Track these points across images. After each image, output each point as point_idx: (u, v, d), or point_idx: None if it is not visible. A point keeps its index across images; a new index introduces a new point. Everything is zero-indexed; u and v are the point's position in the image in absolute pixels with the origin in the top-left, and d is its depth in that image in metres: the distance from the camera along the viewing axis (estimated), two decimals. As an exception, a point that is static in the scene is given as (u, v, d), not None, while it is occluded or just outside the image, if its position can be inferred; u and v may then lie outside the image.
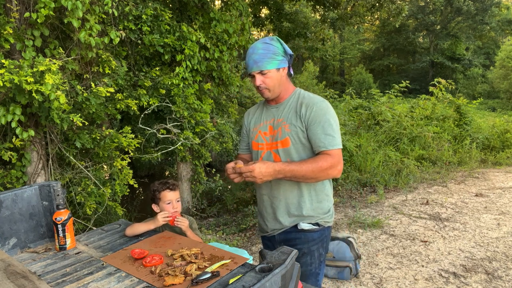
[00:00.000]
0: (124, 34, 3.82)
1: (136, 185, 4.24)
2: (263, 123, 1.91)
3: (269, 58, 1.73)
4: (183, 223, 2.03)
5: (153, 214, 2.14)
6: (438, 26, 34.81)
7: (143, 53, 4.94)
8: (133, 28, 4.53)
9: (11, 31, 3.00)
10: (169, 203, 2.09)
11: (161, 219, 2.00)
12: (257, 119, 1.95)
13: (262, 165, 1.61)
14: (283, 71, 1.79)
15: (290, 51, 1.79)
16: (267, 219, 1.96)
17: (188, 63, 5.03)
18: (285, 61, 1.78)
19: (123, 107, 4.21)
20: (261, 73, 1.75)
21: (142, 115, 4.83)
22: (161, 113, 5.28)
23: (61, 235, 1.80)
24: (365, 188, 6.02)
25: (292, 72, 1.88)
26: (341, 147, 1.76)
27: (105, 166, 4.29)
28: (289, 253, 1.23)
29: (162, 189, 2.10)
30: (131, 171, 4.27)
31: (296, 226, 1.86)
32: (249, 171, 1.60)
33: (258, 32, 13.63)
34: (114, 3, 3.71)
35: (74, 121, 3.19)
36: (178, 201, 2.12)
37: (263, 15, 11.27)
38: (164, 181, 2.14)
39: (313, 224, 1.85)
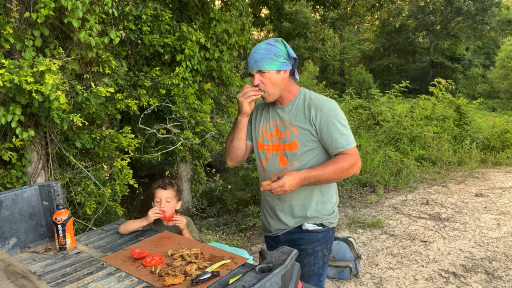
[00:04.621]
0: (124, 34, 3.82)
1: (136, 185, 4.24)
2: (269, 123, 1.89)
3: (270, 58, 1.71)
4: (181, 221, 2.04)
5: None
6: (438, 26, 34.83)
7: (143, 53, 4.94)
8: (133, 28, 4.53)
9: (11, 31, 2.99)
10: (158, 201, 2.09)
11: (151, 214, 2.01)
12: (263, 118, 1.92)
13: (289, 177, 1.62)
14: (284, 73, 1.76)
15: (294, 55, 1.77)
16: (270, 220, 1.95)
17: (188, 63, 5.03)
18: (287, 64, 1.75)
19: (123, 107, 4.21)
20: (260, 72, 1.73)
21: (142, 115, 4.83)
22: (161, 113, 5.28)
23: (61, 235, 1.80)
24: (365, 188, 6.02)
25: (297, 77, 1.85)
26: (355, 143, 1.78)
27: (105, 166, 4.29)
28: (289, 253, 1.23)
29: (155, 186, 2.13)
30: (131, 171, 4.27)
31: (300, 226, 1.86)
32: (279, 186, 1.61)
33: (258, 32, 13.65)
34: (114, 3, 3.71)
35: (74, 121, 3.19)
36: (168, 201, 2.10)
37: (263, 15, 11.27)
38: (162, 179, 2.16)
39: (318, 225, 1.84)
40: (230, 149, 1.95)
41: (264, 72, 1.73)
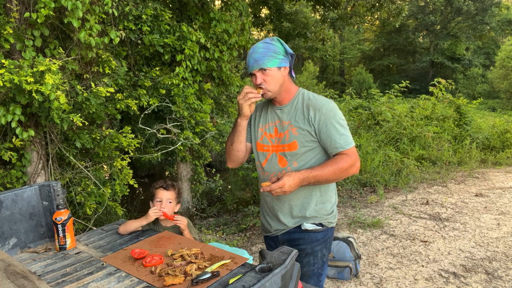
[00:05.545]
0: (124, 34, 3.82)
1: (136, 185, 4.23)
2: (268, 124, 1.89)
3: (270, 56, 1.72)
4: (182, 221, 2.04)
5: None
6: (438, 26, 34.82)
7: (143, 53, 4.94)
8: (133, 28, 4.53)
9: (11, 31, 2.99)
10: (159, 201, 2.10)
11: (152, 214, 2.01)
12: (262, 119, 1.93)
13: (289, 178, 1.63)
14: (285, 70, 1.78)
15: (290, 51, 1.78)
16: (270, 220, 1.96)
17: (188, 63, 5.03)
18: (286, 60, 1.77)
19: (123, 107, 4.21)
20: (262, 70, 1.74)
21: (142, 115, 4.83)
22: (161, 113, 5.27)
23: (61, 235, 1.80)
24: (365, 188, 6.02)
25: (294, 75, 1.86)
26: (354, 144, 1.78)
27: (105, 166, 4.29)
28: (289, 253, 1.23)
29: (157, 186, 2.14)
30: (131, 171, 4.27)
31: (299, 226, 1.86)
32: (279, 187, 1.62)
33: (258, 32, 13.65)
34: (114, 3, 3.71)
35: (74, 121, 3.19)
36: (170, 202, 2.12)
37: (263, 15, 11.27)
38: (163, 180, 2.17)
39: (317, 225, 1.85)
40: (231, 152, 1.94)
41: (266, 70, 1.73)
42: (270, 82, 1.75)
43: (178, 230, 2.10)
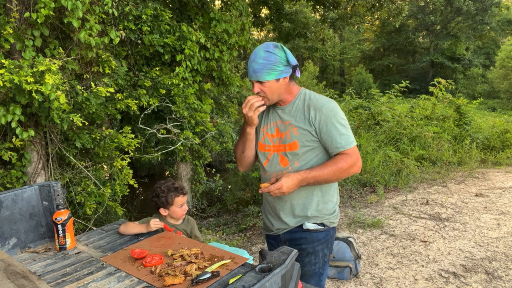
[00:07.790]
0: (124, 34, 3.82)
1: (136, 185, 4.24)
2: (269, 124, 1.90)
3: (269, 69, 1.71)
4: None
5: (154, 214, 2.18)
6: (438, 26, 34.81)
7: (143, 53, 4.94)
8: (133, 28, 4.53)
9: (11, 31, 3.00)
10: (181, 206, 2.16)
11: (153, 225, 1.99)
12: (264, 119, 1.94)
13: (287, 179, 1.65)
14: (284, 80, 1.77)
15: (294, 61, 1.76)
16: (271, 219, 1.96)
17: (188, 63, 5.03)
18: (287, 70, 1.75)
19: (123, 107, 4.21)
20: (259, 82, 1.75)
21: (142, 115, 4.83)
22: (161, 113, 5.28)
23: (61, 235, 1.80)
24: (365, 188, 6.02)
25: (298, 75, 1.86)
26: (356, 143, 1.78)
27: (105, 166, 4.29)
28: (289, 253, 1.23)
29: (175, 195, 2.15)
30: (131, 171, 4.27)
31: (301, 226, 1.86)
32: (277, 189, 1.64)
33: (258, 32, 13.64)
34: (114, 3, 3.71)
35: (74, 121, 3.19)
36: (187, 201, 2.22)
37: (263, 15, 11.27)
38: (172, 186, 2.16)
39: (318, 224, 1.85)
40: (242, 158, 1.98)
41: (263, 82, 1.74)
42: (267, 93, 1.77)
43: (183, 230, 2.13)
